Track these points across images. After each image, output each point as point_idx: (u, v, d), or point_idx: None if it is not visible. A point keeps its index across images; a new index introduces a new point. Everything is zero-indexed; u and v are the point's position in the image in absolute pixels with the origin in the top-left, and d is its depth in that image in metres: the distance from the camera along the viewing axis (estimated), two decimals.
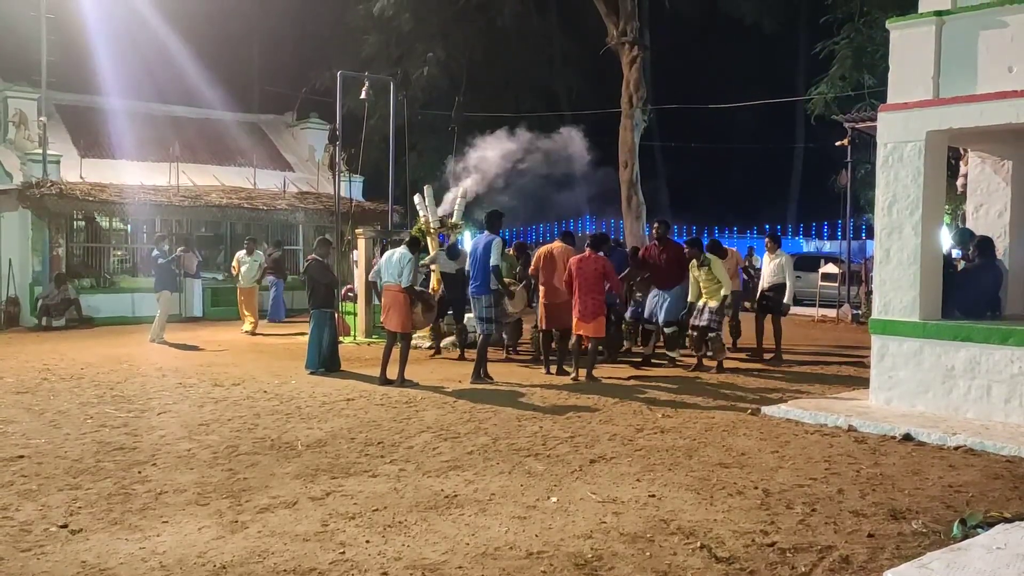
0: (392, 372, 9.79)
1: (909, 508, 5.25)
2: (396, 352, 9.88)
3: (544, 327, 10.96)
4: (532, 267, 11.25)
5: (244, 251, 16.14)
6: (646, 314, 11.56)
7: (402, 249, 10.00)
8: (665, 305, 11.25)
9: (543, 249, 11.25)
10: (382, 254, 16.77)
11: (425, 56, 25.28)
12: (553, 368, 10.74)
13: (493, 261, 10.00)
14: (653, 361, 11.56)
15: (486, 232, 10.37)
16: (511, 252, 12.88)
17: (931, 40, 7.93)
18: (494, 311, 10.25)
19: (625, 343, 12.50)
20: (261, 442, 6.92)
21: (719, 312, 10.84)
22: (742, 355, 12.52)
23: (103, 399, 8.77)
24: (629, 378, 10.47)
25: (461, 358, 12.03)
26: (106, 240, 18.81)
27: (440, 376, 10.43)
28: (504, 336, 12.33)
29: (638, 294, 12.00)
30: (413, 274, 9.92)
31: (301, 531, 4.79)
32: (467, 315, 12.03)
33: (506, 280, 10.98)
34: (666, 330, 11.35)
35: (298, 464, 6.24)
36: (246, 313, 15.74)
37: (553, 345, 11.00)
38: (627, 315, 12.21)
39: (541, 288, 10.91)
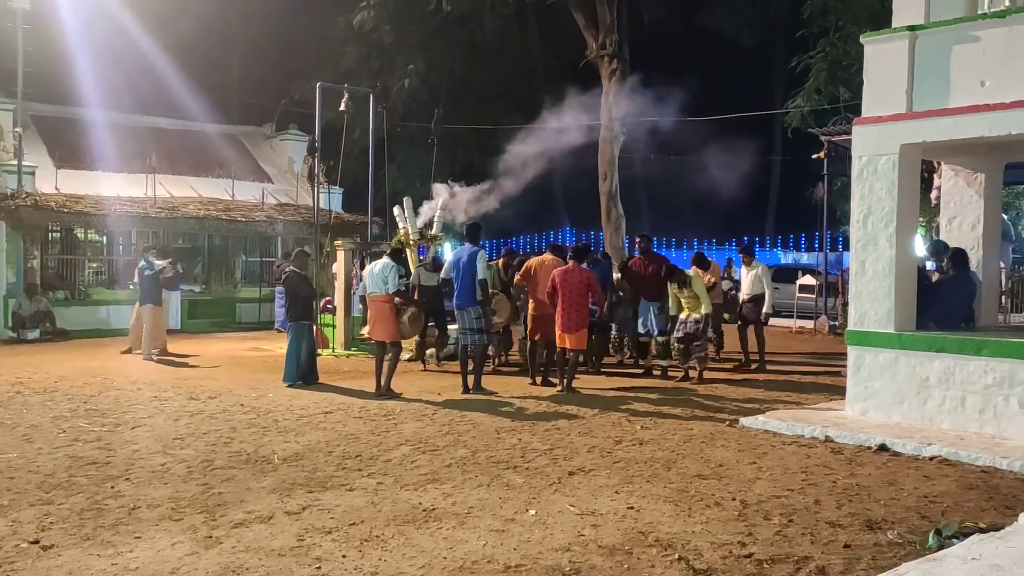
0: (408, 384, 9.91)
1: (885, 518, 5.28)
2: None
3: (532, 338, 11.01)
4: (520, 278, 11.32)
5: (143, 262, 13.92)
6: (640, 327, 11.69)
7: (384, 259, 10.16)
8: (657, 316, 11.42)
9: (533, 261, 11.31)
10: (362, 267, 16.86)
11: (406, 68, 25.27)
12: (539, 379, 10.76)
13: (480, 275, 10.01)
14: (655, 372, 11.66)
15: (467, 244, 10.37)
16: (499, 262, 12.94)
17: (904, 54, 8.03)
18: (483, 321, 10.25)
19: (615, 355, 12.56)
20: (237, 456, 6.85)
21: (703, 323, 10.93)
22: (728, 365, 12.58)
23: (76, 413, 8.66)
24: (609, 390, 10.48)
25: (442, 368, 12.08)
26: (81, 252, 18.63)
27: (419, 388, 10.38)
28: (491, 346, 12.32)
29: (620, 308, 12.10)
30: (397, 281, 10.02)
31: (276, 546, 4.74)
32: (450, 326, 12.04)
33: (490, 292, 11.02)
34: (659, 339, 11.47)
35: (274, 478, 6.18)
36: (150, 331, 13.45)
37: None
38: (614, 328, 12.29)
39: (530, 300, 10.96)
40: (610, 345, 12.78)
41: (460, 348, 10.38)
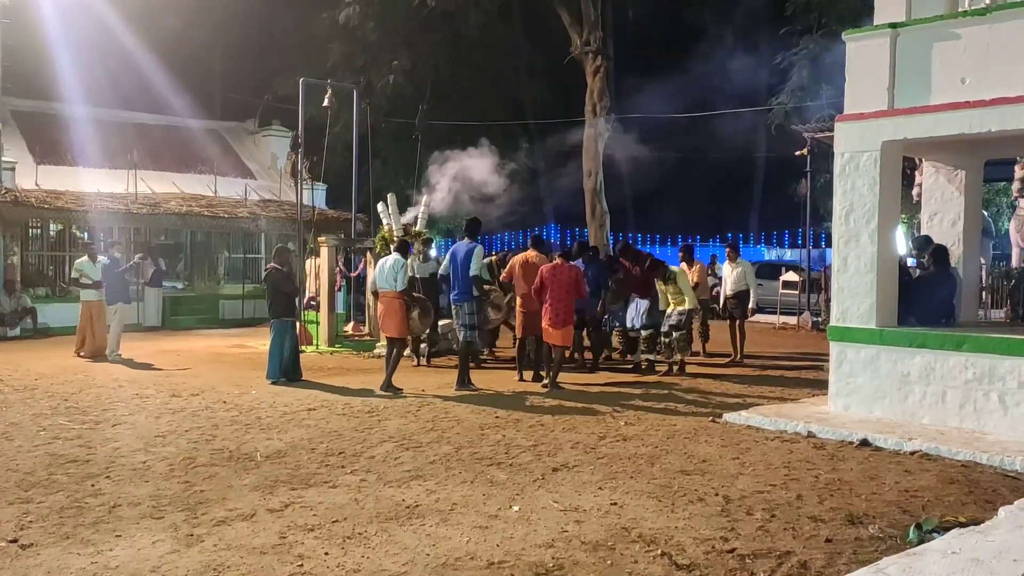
0: (396, 379, 9.90)
1: (866, 513, 5.31)
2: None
3: (521, 335, 11.02)
4: (505, 275, 11.36)
5: (85, 258, 13.30)
6: (628, 322, 11.75)
7: (394, 256, 10.19)
8: (643, 311, 11.47)
9: (518, 257, 11.33)
10: (347, 264, 16.81)
11: (390, 65, 25.19)
12: (527, 375, 10.77)
13: (474, 270, 10.03)
14: (642, 367, 11.68)
15: (466, 239, 10.37)
16: (493, 260, 12.96)
17: (886, 52, 8.08)
18: (476, 318, 10.26)
19: (605, 350, 12.62)
20: (219, 453, 6.81)
21: (687, 316, 11.01)
22: (715, 361, 12.64)
23: (57, 410, 8.58)
24: (593, 385, 10.50)
25: (428, 365, 12.07)
26: (62, 248, 18.46)
27: (401, 384, 10.33)
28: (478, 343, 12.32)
29: (614, 306, 12.17)
30: (407, 278, 10.07)
31: (258, 544, 4.72)
32: (440, 322, 12.04)
33: (486, 288, 11.03)
34: (643, 333, 11.51)
35: (257, 475, 6.15)
36: (95, 332, 12.92)
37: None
38: (605, 324, 12.33)
39: (518, 296, 10.98)
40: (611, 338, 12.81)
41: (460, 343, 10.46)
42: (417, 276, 12.38)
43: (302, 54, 25.44)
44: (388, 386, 9.74)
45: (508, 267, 11.35)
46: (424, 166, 18.32)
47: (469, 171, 13.64)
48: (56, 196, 17.33)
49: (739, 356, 12.59)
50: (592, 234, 22.63)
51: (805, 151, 19.26)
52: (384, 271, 10.07)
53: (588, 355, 12.01)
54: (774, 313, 20.09)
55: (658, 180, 33.89)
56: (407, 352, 12.51)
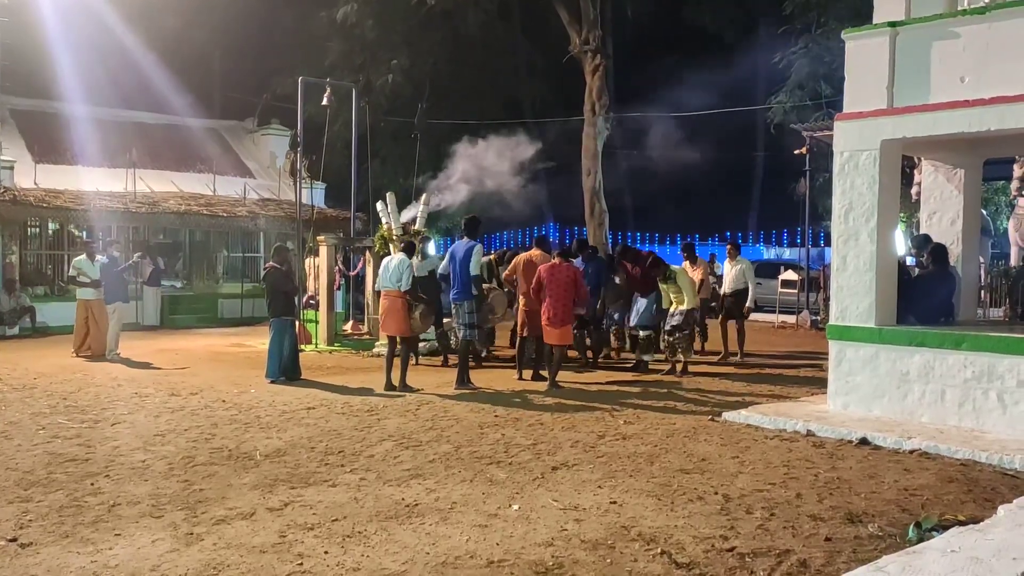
0: (394, 377, 9.90)
1: (865, 512, 5.31)
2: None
3: (524, 334, 11.02)
4: (508, 274, 11.37)
5: (83, 256, 13.23)
6: (630, 321, 11.76)
7: (399, 255, 10.25)
8: (641, 310, 11.49)
9: (522, 257, 11.33)
10: (346, 263, 16.80)
11: (389, 63, 25.18)
12: (526, 374, 10.77)
13: (474, 269, 10.04)
14: (642, 368, 11.69)
15: (466, 238, 10.38)
16: (492, 258, 12.96)
17: (885, 50, 8.08)
18: (476, 316, 10.26)
19: (604, 348, 12.64)
20: (218, 452, 6.81)
21: (688, 316, 11.03)
22: (710, 358, 12.67)
23: (56, 409, 8.58)
24: (593, 384, 10.50)
25: (444, 364, 12.09)
26: (61, 247, 18.46)
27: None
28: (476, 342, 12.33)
29: (614, 305, 12.19)
30: (411, 279, 10.08)
31: (258, 543, 4.71)
32: (444, 319, 12.05)
33: (485, 287, 11.04)
34: (641, 334, 11.52)
35: (256, 474, 6.15)
36: (94, 330, 12.83)
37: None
38: (604, 323, 12.35)
39: (521, 295, 10.98)
40: (611, 337, 12.81)
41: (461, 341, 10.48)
42: (416, 275, 12.40)
43: (301, 53, 25.44)
44: (404, 386, 9.77)
45: (512, 265, 11.37)
46: (423, 165, 18.33)
47: (486, 164, 13.62)
48: (55, 195, 17.32)
49: (725, 355, 12.61)
50: (591, 233, 22.63)
51: (804, 150, 19.26)
52: (388, 270, 10.10)
53: (589, 353, 12.04)
54: (773, 312, 20.10)
55: (657, 179, 33.89)
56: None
